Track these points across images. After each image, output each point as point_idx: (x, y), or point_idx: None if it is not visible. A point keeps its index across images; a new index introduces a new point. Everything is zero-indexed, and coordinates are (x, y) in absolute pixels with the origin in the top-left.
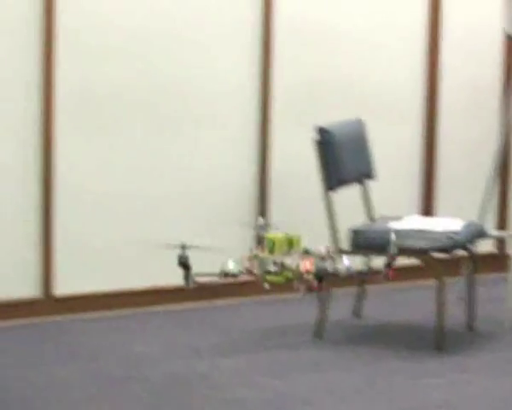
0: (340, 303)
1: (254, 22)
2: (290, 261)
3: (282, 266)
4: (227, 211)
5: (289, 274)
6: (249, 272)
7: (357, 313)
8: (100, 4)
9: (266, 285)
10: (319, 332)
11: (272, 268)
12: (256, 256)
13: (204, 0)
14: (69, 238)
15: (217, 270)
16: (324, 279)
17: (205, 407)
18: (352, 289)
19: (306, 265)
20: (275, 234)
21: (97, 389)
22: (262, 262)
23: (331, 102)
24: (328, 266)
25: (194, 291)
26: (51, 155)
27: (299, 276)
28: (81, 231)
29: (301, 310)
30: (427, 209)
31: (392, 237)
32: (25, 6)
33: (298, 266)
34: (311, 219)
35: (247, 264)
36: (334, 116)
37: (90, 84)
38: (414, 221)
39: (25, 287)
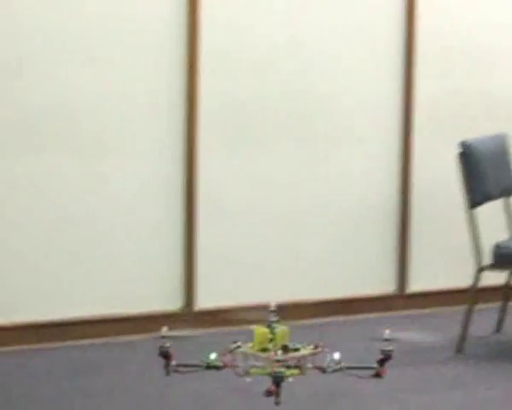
0: (482, 319)
1: (396, 34)
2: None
3: (259, 361)
4: (367, 225)
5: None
6: (230, 365)
7: (499, 328)
8: (244, 17)
9: (248, 379)
10: (461, 348)
11: (255, 362)
12: (237, 349)
13: (344, 14)
14: (211, 252)
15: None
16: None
17: None
18: (495, 305)
19: (274, 364)
20: (260, 327)
21: None
22: (244, 355)
23: (474, 116)
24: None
25: (332, 305)
26: (194, 168)
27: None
28: (223, 244)
29: (443, 325)
30: None
31: None
32: (172, 20)
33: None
34: (452, 234)
35: (226, 358)
36: (478, 130)
37: (234, 98)
38: None
39: (167, 300)
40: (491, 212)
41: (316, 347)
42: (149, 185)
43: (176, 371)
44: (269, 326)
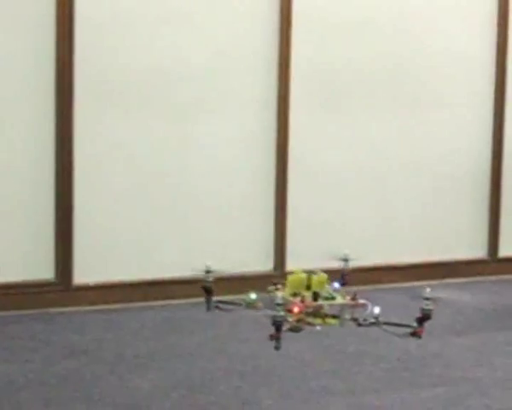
0: None
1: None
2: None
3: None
4: (459, 190)
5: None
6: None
7: None
8: None
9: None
10: None
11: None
12: (270, 292)
13: None
14: (302, 214)
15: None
16: (282, 328)
17: (437, 385)
18: None
19: (295, 308)
20: (298, 273)
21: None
22: (272, 299)
23: None
24: (344, 313)
25: (425, 269)
26: (287, 131)
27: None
28: (313, 207)
29: None
30: None
31: None
32: None
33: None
34: None
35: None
36: None
37: (327, 61)
38: None
39: (258, 262)
40: None
41: (353, 298)
42: (242, 148)
43: (216, 307)
44: (308, 273)
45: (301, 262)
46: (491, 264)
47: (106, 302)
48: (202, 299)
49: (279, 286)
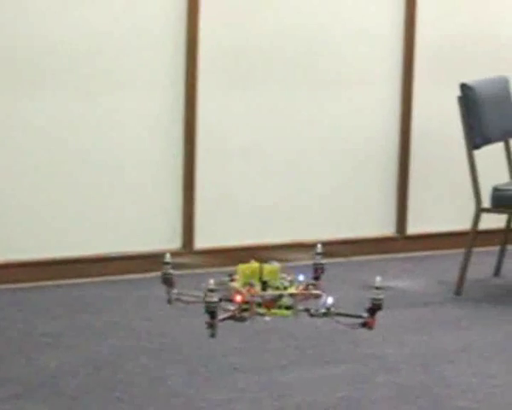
0: (481, 262)
1: None
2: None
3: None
4: (368, 167)
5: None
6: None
7: (497, 272)
8: None
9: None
10: (459, 290)
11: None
12: (225, 282)
13: None
14: (210, 191)
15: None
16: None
17: (347, 360)
18: (494, 249)
19: (237, 297)
20: (250, 264)
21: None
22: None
23: (475, 59)
24: (296, 304)
25: (333, 247)
26: (195, 108)
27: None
28: (222, 184)
29: (442, 267)
30: None
31: None
32: None
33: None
34: (452, 177)
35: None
36: (478, 73)
37: (235, 38)
38: None
39: (167, 239)
40: (491, 154)
41: (306, 288)
42: (151, 124)
43: (177, 299)
44: (260, 263)
45: (210, 240)
46: (399, 241)
47: (15, 281)
48: (112, 277)
49: (235, 277)
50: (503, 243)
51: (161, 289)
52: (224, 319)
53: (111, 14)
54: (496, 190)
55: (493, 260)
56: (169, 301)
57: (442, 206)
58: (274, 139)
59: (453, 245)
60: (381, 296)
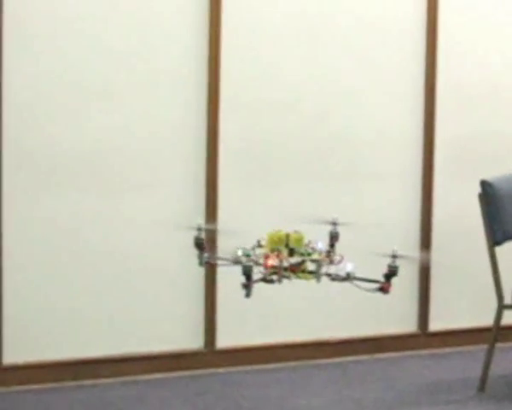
0: (504, 358)
1: (417, 73)
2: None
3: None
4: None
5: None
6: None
7: None
8: (265, 57)
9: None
10: (483, 387)
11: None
12: (253, 248)
13: (364, 53)
14: (232, 290)
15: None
16: (252, 278)
17: None
18: None
19: (268, 261)
20: (278, 231)
21: None
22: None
23: (494, 156)
24: (320, 268)
25: (355, 345)
26: (215, 206)
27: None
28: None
29: (464, 364)
30: None
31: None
32: (193, 60)
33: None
34: (474, 273)
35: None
36: (498, 169)
37: (254, 137)
38: None
39: (189, 339)
40: None
41: (328, 254)
42: (170, 225)
43: (207, 262)
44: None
45: (232, 339)
46: (422, 338)
47: (36, 382)
48: (134, 377)
49: (262, 243)
50: None
51: (185, 390)
52: (256, 281)
53: (132, 116)
54: None
55: None
56: (200, 264)
57: (464, 302)
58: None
59: (475, 341)
60: (396, 264)
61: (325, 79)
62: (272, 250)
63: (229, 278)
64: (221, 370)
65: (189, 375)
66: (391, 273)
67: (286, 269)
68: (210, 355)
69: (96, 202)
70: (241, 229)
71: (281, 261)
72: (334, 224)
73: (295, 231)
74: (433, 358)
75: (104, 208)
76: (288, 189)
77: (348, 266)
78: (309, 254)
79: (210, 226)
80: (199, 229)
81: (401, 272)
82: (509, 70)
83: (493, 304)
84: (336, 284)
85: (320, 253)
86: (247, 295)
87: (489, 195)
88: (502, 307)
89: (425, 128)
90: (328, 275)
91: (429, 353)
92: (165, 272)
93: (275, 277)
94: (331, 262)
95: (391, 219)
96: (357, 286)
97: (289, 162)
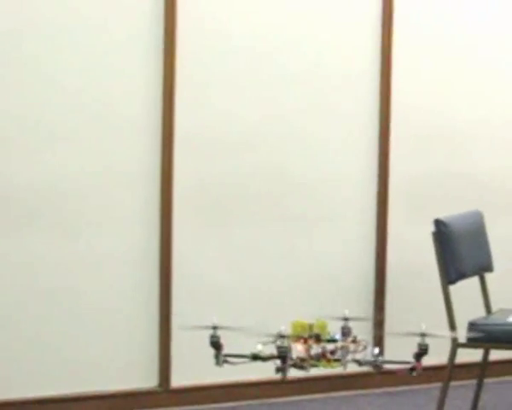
0: (458, 395)
1: (371, 115)
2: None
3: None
4: (343, 303)
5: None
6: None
7: (474, 406)
8: (218, 96)
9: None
10: None
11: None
12: (274, 340)
13: (318, 94)
14: (184, 331)
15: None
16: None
17: None
18: (471, 382)
19: (298, 348)
20: (300, 320)
21: None
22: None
23: (448, 195)
24: (346, 356)
25: (310, 382)
26: (170, 245)
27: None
28: (198, 322)
29: (419, 402)
30: None
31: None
32: (147, 100)
33: (289, 347)
34: (428, 312)
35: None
36: (453, 208)
37: (208, 176)
38: None
39: (143, 378)
40: (466, 288)
41: (354, 340)
42: (124, 264)
43: (225, 361)
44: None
45: (187, 378)
46: (376, 376)
47: None
48: None
49: (283, 333)
50: (480, 377)
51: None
52: (289, 365)
53: (86, 155)
54: (472, 324)
55: (470, 394)
56: (217, 363)
57: (418, 340)
58: (246, 275)
59: (429, 380)
60: (426, 342)
61: (280, 122)
62: (297, 339)
63: (184, 317)
64: (175, 409)
65: None
66: (421, 352)
67: (312, 358)
68: (164, 394)
69: (49, 238)
70: (198, 271)
71: (309, 348)
72: (346, 319)
73: (318, 320)
74: (388, 396)
75: (57, 245)
76: (242, 230)
77: (375, 350)
78: (334, 341)
79: (225, 326)
80: (214, 327)
81: (355, 310)
82: (462, 110)
83: (448, 342)
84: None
85: (344, 340)
86: (284, 377)
87: (443, 233)
88: (456, 345)
89: (379, 168)
90: (356, 361)
91: (383, 391)
92: (119, 309)
93: (305, 363)
94: (359, 349)
95: (345, 260)
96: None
97: (244, 203)
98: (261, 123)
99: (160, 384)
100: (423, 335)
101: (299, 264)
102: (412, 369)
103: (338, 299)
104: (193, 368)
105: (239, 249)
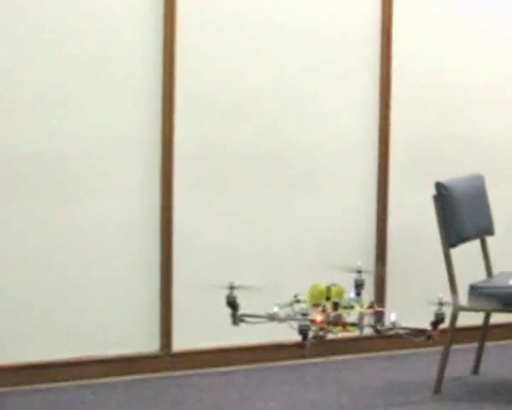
0: (459, 359)
1: (372, 79)
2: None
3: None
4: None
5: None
6: (290, 319)
7: (476, 369)
8: (220, 61)
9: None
10: (438, 388)
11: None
12: (291, 303)
13: (320, 59)
14: (188, 294)
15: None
16: (309, 336)
17: None
18: (472, 345)
19: (317, 317)
20: (317, 285)
21: None
22: (292, 310)
23: (449, 158)
24: (363, 321)
25: (311, 348)
26: (170, 211)
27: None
28: (199, 286)
29: (420, 365)
30: None
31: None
32: (147, 67)
33: (308, 316)
34: (429, 275)
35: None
36: (454, 172)
37: (210, 141)
38: None
39: (145, 342)
40: (468, 252)
41: (371, 306)
42: (125, 231)
43: (241, 320)
44: (327, 286)
45: (188, 343)
46: (378, 340)
47: None
48: (89, 381)
49: (300, 298)
50: (481, 341)
51: (141, 393)
52: (311, 340)
53: (86, 121)
54: (473, 288)
55: (472, 358)
56: (234, 322)
57: (419, 304)
58: (248, 240)
59: (431, 343)
60: (443, 311)
61: (280, 85)
62: (315, 305)
63: (184, 282)
64: (177, 373)
65: (145, 378)
66: (438, 321)
67: (329, 323)
68: (166, 358)
69: (50, 206)
70: (199, 237)
71: (328, 316)
72: (359, 272)
73: (334, 284)
74: (389, 360)
75: (58, 214)
76: (243, 194)
77: (392, 317)
78: (351, 307)
79: (242, 285)
80: (231, 287)
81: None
82: (462, 73)
83: (448, 306)
84: (292, 287)
85: (362, 305)
86: (305, 354)
87: (444, 197)
88: (457, 308)
89: (380, 132)
90: (373, 326)
91: (386, 354)
92: (120, 275)
93: (321, 332)
94: (375, 315)
95: (346, 223)
96: (404, 336)
97: (245, 168)
98: (262, 88)
99: (162, 349)
100: (440, 303)
101: (300, 228)
102: (429, 337)
103: (339, 261)
104: (194, 332)
105: (240, 214)
